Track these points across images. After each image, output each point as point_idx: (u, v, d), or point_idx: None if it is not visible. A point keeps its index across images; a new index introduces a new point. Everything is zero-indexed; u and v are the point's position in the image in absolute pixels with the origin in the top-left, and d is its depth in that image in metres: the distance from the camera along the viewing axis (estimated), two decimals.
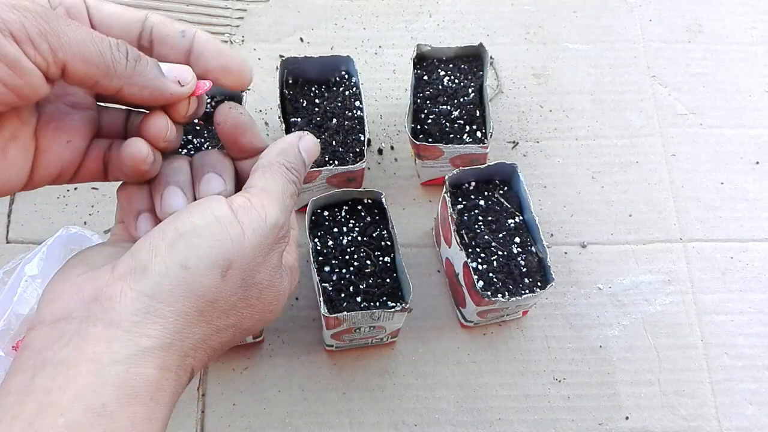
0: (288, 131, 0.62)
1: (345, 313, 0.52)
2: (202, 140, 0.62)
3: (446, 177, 0.58)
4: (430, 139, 0.63)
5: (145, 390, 0.28)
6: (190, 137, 0.62)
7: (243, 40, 0.75)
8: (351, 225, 0.58)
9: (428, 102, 0.65)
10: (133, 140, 0.33)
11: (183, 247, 0.30)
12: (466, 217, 0.59)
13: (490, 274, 0.56)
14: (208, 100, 0.64)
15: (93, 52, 0.29)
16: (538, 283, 0.57)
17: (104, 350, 0.28)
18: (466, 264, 0.56)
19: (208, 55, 0.34)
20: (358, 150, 0.61)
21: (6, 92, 0.27)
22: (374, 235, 0.58)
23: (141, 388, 0.28)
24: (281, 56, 0.65)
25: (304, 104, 0.64)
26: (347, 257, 0.56)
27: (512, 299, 0.54)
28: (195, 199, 0.35)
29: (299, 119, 0.62)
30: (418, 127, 0.64)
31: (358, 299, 0.55)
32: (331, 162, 0.61)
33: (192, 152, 0.61)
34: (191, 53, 0.34)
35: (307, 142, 0.37)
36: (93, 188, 0.66)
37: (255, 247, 0.32)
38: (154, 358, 0.29)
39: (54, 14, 0.28)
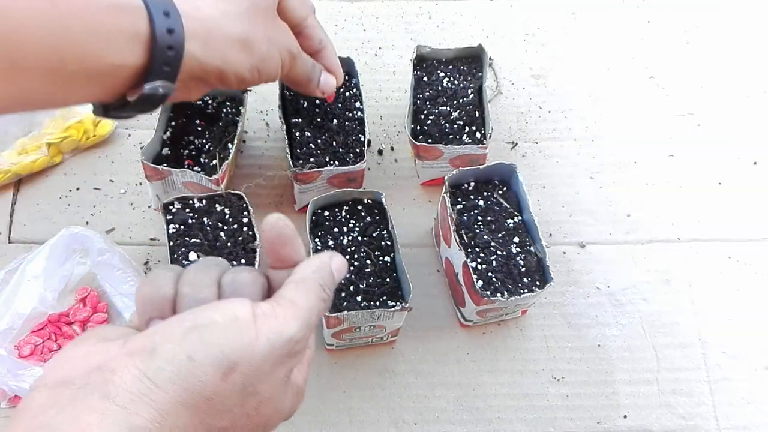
0: (289, 132, 0.62)
1: (345, 312, 0.52)
2: (204, 140, 0.62)
3: (446, 177, 0.58)
4: (429, 140, 0.63)
5: None
6: (191, 138, 0.62)
7: None
8: (351, 225, 0.58)
9: (428, 103, 0.65)
10: None
11: (194, 339, 0.31)
12: (465, 217, 0.59)
13: (490, 274, 0.57)
14: (209, 100, 0.64)
15: (304, 78, 0.53)
16: (537, 283, 0.57)
17: (97, 422, 0.28)
18: (465, 264, 0.56)
19: (327, 65, 0.55)
20: (358, 150, 0.62)
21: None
22: (374, 235, 0.58)
23: None
24: None
25: (305, 105, 0.64)
26: (347, 257, 0.57)
27: (511, 299, 0.55)
28: None
29: (300, 120, 0.63)
30: (418, 127, 0.65)
31: (358, 299, 0.55)
32: (331, 162, 0.61)
33: (194, 152, 0.62)
34: (318, 55, 0.55)
35: (338, 263, 0.37)
36: (95, 188, 0.66)
37: (264, 356, 0.32)
38: None
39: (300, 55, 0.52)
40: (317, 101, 0.64)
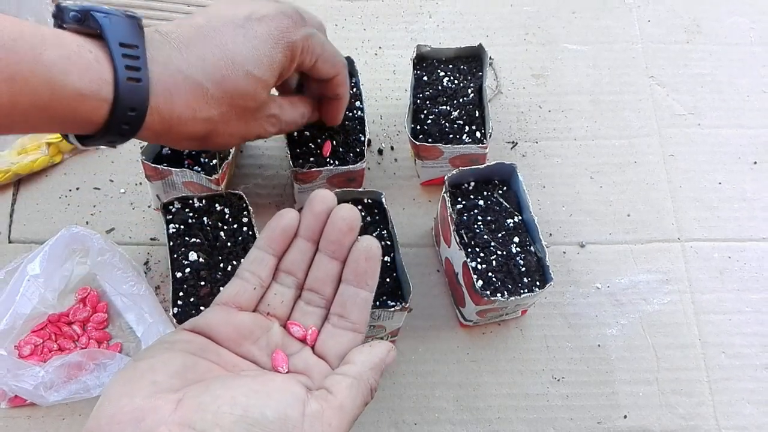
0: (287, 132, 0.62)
1: None
2: None
3: (446, 177, 0.58)
4: (429, 140, 0.63)
5: None
6: None
7: None
8: None
9: (428, 102, 0.65)
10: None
11: None
12: (465, 217, 0.59)
13: (490, 274, 0.57)
14: None
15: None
16: (537, 283, 0.57)
17: None
18: (465, 263, 0.56)
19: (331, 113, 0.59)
20: (358, 150, 0.62)
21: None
22: (374, 234, 0.58)
23: None
24: None
25: None
26: None
27: (511, 299, 0.55)
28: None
29: None
30: (418, 127, 0.64)
31: None
32: (331, 162, 0.61)
33: (194, 152, 0.61)
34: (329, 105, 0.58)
35: (391, 358, 0.41)
36: (95, 188, 0.66)
37: None
38: None
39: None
40: None
